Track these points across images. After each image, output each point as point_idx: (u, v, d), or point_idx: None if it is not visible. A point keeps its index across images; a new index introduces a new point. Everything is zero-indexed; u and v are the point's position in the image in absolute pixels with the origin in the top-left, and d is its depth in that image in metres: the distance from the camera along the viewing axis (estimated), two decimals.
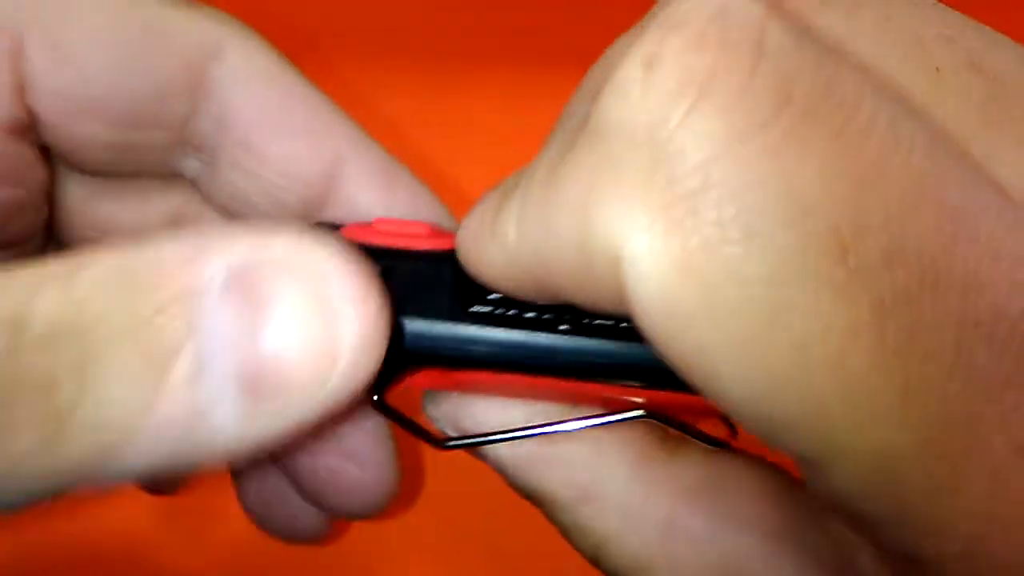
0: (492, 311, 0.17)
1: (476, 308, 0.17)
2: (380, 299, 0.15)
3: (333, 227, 0.20)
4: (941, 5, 0.14)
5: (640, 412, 0.18)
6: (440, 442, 0.18)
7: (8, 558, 0.30)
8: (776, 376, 0.12)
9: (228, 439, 0.15)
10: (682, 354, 0.13)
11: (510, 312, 0.17)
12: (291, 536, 0.23)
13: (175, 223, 0.23)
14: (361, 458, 0.22)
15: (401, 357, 0.17)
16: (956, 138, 0.13)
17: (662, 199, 0.12)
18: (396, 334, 0.17)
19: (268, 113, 0.21)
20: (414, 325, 0.17)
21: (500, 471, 0.19)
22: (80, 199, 0.23)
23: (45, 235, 0.23)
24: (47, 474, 0.14)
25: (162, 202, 0.23)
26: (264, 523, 0.23)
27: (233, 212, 0.22)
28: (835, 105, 0.12)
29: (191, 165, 0.22)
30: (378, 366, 0.15)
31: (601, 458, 0.18)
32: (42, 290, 0.14)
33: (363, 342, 0.15)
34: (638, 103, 0.12)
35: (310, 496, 0.22)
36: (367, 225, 0.19)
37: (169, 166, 0.22)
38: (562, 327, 0.17)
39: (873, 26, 0.13)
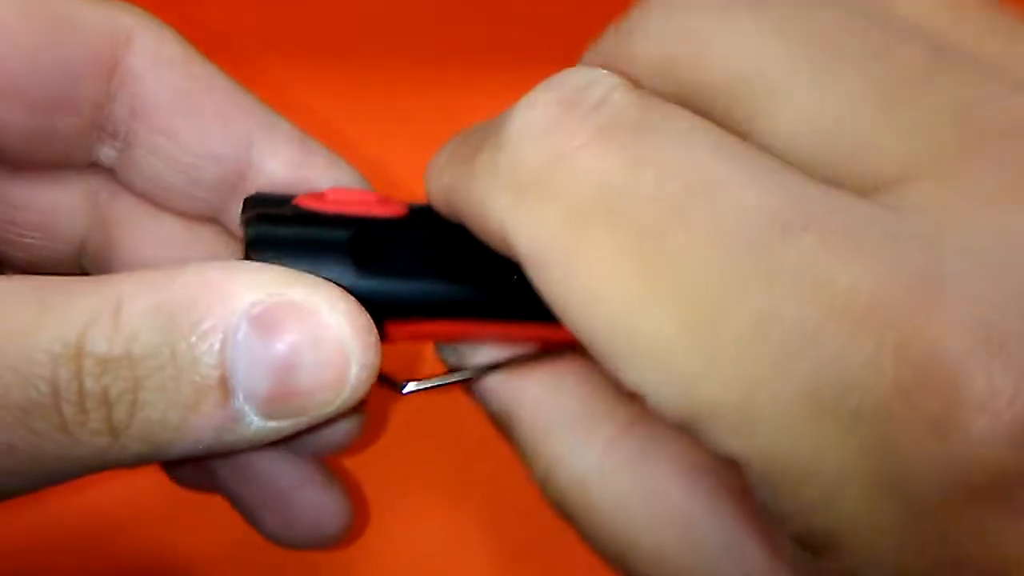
0: (452, 266, 0.20)
1: (441, 264, 0.20)
2: (375, 333, 0.19)
3: (287, 198, 0.21)
4: None
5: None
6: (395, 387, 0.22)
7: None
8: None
9: (253, 439, 0.18)
10: (546, 292, 0.17)
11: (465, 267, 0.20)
12: (315, 542, 0.24)
13: (93, 210, 0.24)
14: (308, 496, 0.24)
15: (382, 312, 0.20)
16: (841, 121, 0.16)
17: (523, 185, 0.17)
18: (376, 292, 0.19)
19: (179, 98, 0.22)
20: (388, 284, 0.20)
21: (483, 399, 0.22)
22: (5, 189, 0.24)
23: None
24: (105, 465, 0.18)
25: (80, 188, 0.24)
26: (285, 539, 0.24)
27: (151, 196, 0.24)
28: (635, 137, 0.16)
29: (107, 153, 0.23)
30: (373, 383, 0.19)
31: (557, 392, 0.20)
32: (94, 324, 0.17)
33: (367, 372, 0.18)
34: (519, 128, 0.17)
35: (269, 535, 0.24)
36: (320, 195, 0.21)
37: (86, 155, 0.23)
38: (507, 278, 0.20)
39: (783, 26, 0.17)
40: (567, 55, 0.44)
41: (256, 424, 0.18)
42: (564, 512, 0.20)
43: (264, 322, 0.18)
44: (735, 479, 0.17)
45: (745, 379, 0.15)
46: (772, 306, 0.14)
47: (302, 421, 0.19)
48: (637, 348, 0.16)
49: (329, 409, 0.19)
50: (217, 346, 0.17)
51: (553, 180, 0.17)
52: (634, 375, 0.16)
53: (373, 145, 0.40)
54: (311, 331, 0.18)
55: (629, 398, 0.20)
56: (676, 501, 0.19)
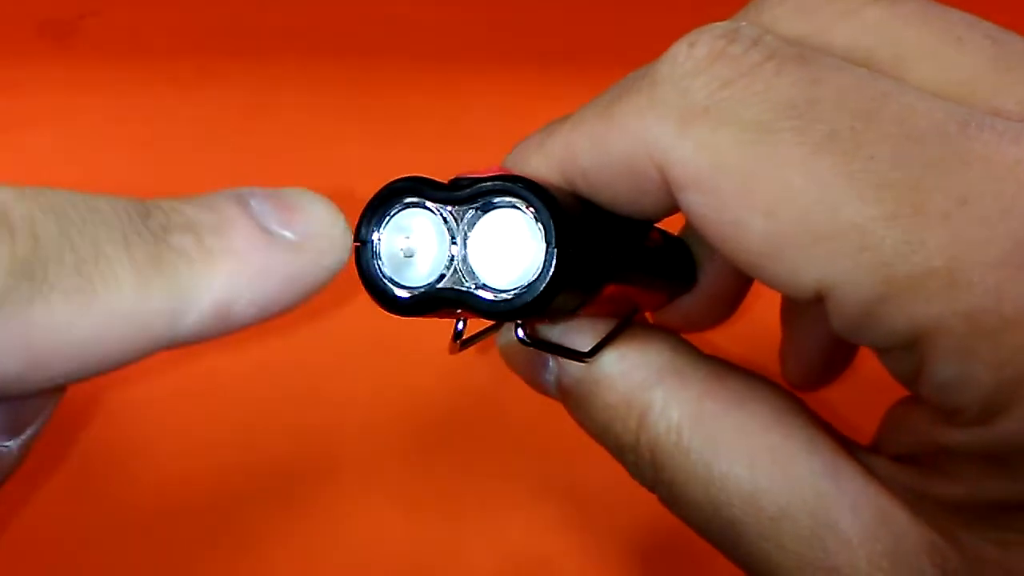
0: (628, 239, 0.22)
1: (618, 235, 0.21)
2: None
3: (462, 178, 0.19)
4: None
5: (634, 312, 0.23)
6: (583, 355, 0.22)
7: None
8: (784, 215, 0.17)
9: None
10: (717, 216, 0.18)
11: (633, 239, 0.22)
12: None
13: None
14: None
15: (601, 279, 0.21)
16: (970, 79, 0.18)
17: (691, 112, 0.18)
18: (590, 259, 0.20)
19: None
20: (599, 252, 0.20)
21: (566, 372, 0.23)
22: None
23: None
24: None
25: None
26: None
27: None
28: (803, 64, 0.18)
29: None
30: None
31: (643, 353, 0.22)
32: None
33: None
34: (683, 63, 0.19)
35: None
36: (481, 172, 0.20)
37: None
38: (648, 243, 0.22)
39: (912, 14, 0.19)
40: (567, 56, 0.44)
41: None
42: (653, 459, 0.21)
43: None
44: (826, 427, 0.21)
45: (954, 247, 0.17)
46: (972, 185, 0.17)
47: None
48: (833, 238, 0.17)
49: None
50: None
51: (727, 101, 0.18)
52: (819, 268, 0.18)
53: (373, 145, 0.39)
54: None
55: (704, 359, 0.22)
56: (773, 439, 0.20)
